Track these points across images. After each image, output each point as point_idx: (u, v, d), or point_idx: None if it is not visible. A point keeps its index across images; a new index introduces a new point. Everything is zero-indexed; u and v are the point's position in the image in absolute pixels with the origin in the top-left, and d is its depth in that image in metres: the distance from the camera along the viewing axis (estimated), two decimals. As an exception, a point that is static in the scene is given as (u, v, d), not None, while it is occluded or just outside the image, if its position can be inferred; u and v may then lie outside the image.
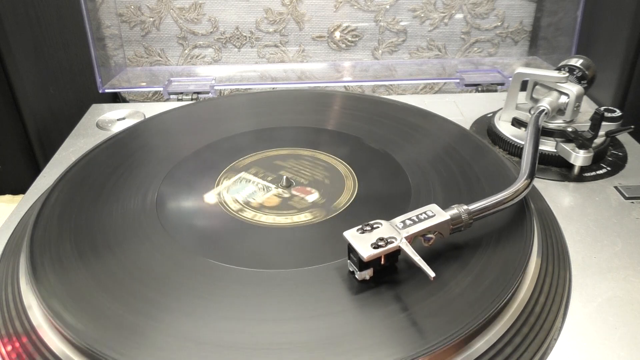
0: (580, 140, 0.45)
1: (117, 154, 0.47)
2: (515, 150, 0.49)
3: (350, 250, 0.31)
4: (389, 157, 0.46)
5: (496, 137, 0.51)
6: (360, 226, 0.32)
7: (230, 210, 0.39)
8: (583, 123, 0.47)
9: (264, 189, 0.42)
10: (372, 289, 0.31)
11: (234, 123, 0.52)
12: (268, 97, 0.59)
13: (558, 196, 0.44)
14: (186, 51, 0.75)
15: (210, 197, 0.41)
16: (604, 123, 0.46)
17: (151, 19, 0.72)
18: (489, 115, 0.57)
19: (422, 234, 0.32)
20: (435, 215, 0.33)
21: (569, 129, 0.46)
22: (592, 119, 0.45)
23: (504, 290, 0.30)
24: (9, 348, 0.31)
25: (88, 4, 0.64)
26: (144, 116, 0.59)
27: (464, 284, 0.31)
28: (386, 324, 0.29)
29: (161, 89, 0.67)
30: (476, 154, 0.45)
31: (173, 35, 0.74)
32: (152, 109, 0.60)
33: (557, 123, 0.48)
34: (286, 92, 0.61)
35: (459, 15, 0.74)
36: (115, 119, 0.59)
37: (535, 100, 0.50)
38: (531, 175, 0.38)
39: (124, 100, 0.76)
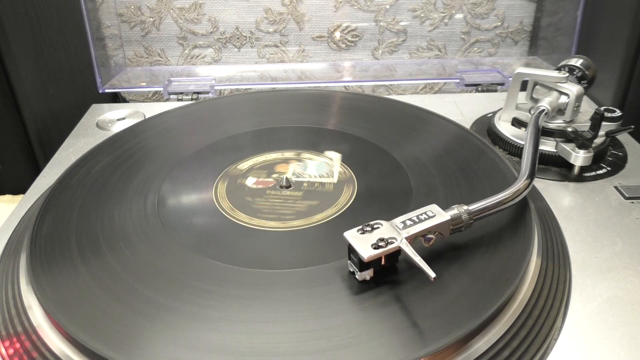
0: (580, 140, 0.45)
1: (117, 154, 0.47)
2: (515, 150, 0.49)
3: (351, 250, 0.31)
4: (389, 157, 0.46)
5: (496, 137, 0.51)
6: (360, 226, 0.32)
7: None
8: (583, 123, 0.47)
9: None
10: (373, 290, 0.31)
11: (234, 123, 0.52)
12: (268, 97, 0.59)
13: (558, 196, 0.44)
14: (186, 51, 0.75)
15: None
16: (604, 123, 0.46)
17: (151, 19, 0.72)
18: (489, 115, 0.57)
19: (423, 234, 0.32)
20: (436, 215, 0.33)
21: (569, 129, 0.46)
22: (592, 119, 0.45)
23: (504, 290, 0.31)
24: (9, 348, 0.31)
25: (88, 4, 0.64)
26: (144, 116, 0.59)
27: (464, 284, 0.31)
28: (386, 324, 0.29)
29: (161, 89, 0.67)
30: (476, 154, 0.45)
31: (173, 35, 0.74)
32: (152, 109, 0.60)
33: (557, 123, 0.48)
34: (286, 92, 0.61)
35: (459, 15, 0.74)
36: (115, 119, 0.59)
37: (535, 100, 0.50)
38: (531, 175, 0.38)
39: (124, 100, 0.76)
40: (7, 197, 0.59)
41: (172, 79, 0.69)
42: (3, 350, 0.31)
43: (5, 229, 0.41)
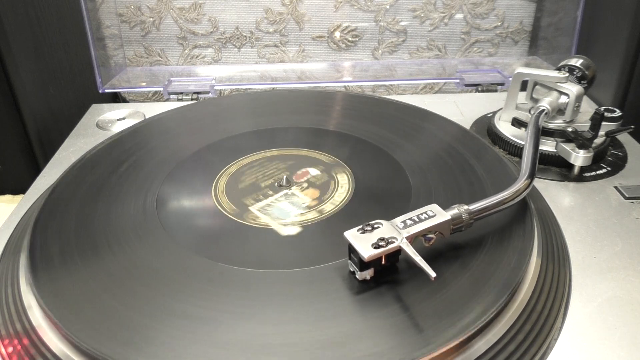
0: (580, 140, 0.45)
1: (117, 154, 0.47)
2: (515, 150, 0.49)
3: (351, 250, 0.31)
4: (389, 157, 0.46)
5: (496, 137, 0.51)
6: (360, 226, 0.32)
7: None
8: (583, 123, 0.47)
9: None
10: (373, 289, 0.31)
11: (234, 123, 0.52)
12: (268, 97, 0.59)
13: (558, 196, 0.44)
14: (186, 51, 0.75)
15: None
16: (604, 123, 0.46)
17: (151, 19, 0.72)
18: (489, 115, 0.57)
19: (423, 234, 0.32)
20: (436, 215, 0.33)
21: (569, 129, 0.46)
22: (592, 119, 0.45)
23: (504, 290, 0.30)
24: (9, 348, 0.31)
25: (88, 4, 0.64)
26: (144, 116, 0.59)
27: (464, 284, 0.31)
28: (387, 324, 0.29)
29: (161, 89, 0.67)
30: (476, 154, 0.45)
31: (173, 35, 0.74)
32: (152, 109, 0.60)
33: (557, 123, 0.48)
34: (286, 92, 0.61)
35: (459, 15, 0.74)
36: (115, 119, 0.59)
37: (535, 100, 0.50)
38: (531, 175, 0.38)
39: (124, 100, 0.76)
40: (7, 197, 0.59)
41: (172, 79, 0.69)
42: (3, 350, 0.31)
43: (5, 229, 0.41)
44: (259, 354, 0.27)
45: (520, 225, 0.36)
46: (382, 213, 0.34)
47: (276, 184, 0.42)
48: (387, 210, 0.38)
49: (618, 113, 0.48)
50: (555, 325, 0.32)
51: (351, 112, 0.54)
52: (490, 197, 0.35)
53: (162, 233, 0.37)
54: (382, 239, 0.30)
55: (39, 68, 0.61)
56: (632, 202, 0.42)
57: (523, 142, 0.43)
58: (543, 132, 0.46)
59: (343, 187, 0.42)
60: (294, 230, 0.37)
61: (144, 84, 0.71)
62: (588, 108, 0.53)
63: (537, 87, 0.51)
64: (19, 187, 0.59)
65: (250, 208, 0.40)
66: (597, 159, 0.47)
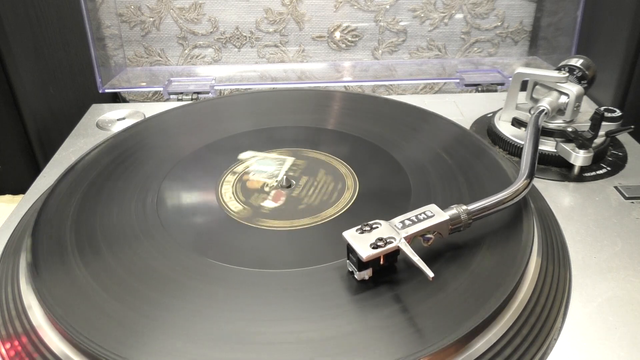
0: (580, 140, 0.45)
1: (117, 154, 0.47)
2: (515, 150, 0.49)
3: (350, 250, 0.31)
4: (388, 156, 0.46)
5: (496, 137, 0.51)
6: (359, 226, 0.32)
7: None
8: (583, 123, 0.47)
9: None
10: (371, 289, 0.31)
11: (234, 123, 0.52)
12: (268, 97, 0.59)
13: (558, 196, 0.44)
14: (186, 51, 0.75)
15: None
16: (604, 123, 0.46)
17: (151, 19, 0.72)
18: (489, 115, 0.57)
19: (421, 234, 0.32)
20: (435, 215, 0.33)
21: (569, 129, 0.46)
22: (592, 119, 0.45)
23: (504, 290, 0.30)
24: (9, 348, 0.31)
25: (88, 4, 0.64)
26: (144, 116, 0.59)
27: (463, 284, 0.31)
28: (386, 324, 0.29)
29: (161, 89, 0.67)
30: (476, 154, 0.45)
31: (173, 35, 0.74)
32: (152, 109, 0.60)
33: (557, 123, 0.48)
34: (286, 92, 0.61)
35: (459, 15, 0.74)
36: (115, 119, 0.59)
37: (535, 100, 0.50)
38: (531, 175, 0.38)
39: (124, 100, 0.76)
40: (7, 197, 0.59)
41: (172, 79, 0.69)
42: (3, 351, 0.31)
43: (5, 229, 0.41)
44: (258, 354, 0.27)
45: (520, 226, 0.36)
46: (381, 213, 0.34)
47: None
48: (386, 210, 0.38)
49: (618, 113, 0.48)
50: (555, 325, 0.32)
51: (351, 112, 0.54)
52: (489, 197, 0.35)
53: (163, 233, 0.37)
54: (380, 239, 0.30)
55: (39, 68, 0.61)
56: (632, 202, 0.42)
57: (523, 142, 0.43)
58: (543, 132, 0.46)
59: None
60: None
61: (144, 84, 0.71)
62: (588, 108, 0.53)
63: (537, 87, 0.51)
64: (19, 187, 0.59)
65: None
66: (597, 159, 0.47)
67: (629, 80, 0.59)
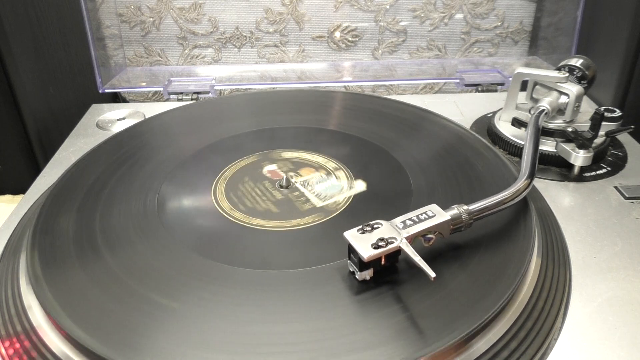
0: (580, 140, 0.45)
1: (117, 154, 0.47)
2: (515, 150, 0.49)
3: (351, 250, 0.31)
4: (389, 156, 0.46)
5: (496, 137, 0.51)
6: (360, 226, 0.32)
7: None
8: (583, 123, 0.47)
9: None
10: (373, 290, 0.31)
11: (234, 123, 0.52)
12: (268, 97, 0.59)
13: (558, 196, 0.44)
14: (186, 51, 0.75)
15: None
16: (604, 123, 0.46)
17: (151, 19, 0.72)
18: (489, 115, 0.57)
19: (423, 234, 0.32)
20: (436, 215, 0.33)
21: (569, 129, 0.46)
22: (592, 119, 0.45)
23: (504, 290, 0.30)
24: (9, 348, 0.31)
25: (88, 4, 0.64)
26: (144, 116, 0.59)
27: (464, 284, 0.31)
28: (386, 324, 0.29)
29: (161, 89, 0.67)
30: (476, 154, 0.45)
31: (173, 35, 0.74)
32: (152, 109, 0.60)
33: (557, 123, 0.48)
34: (286, 92, 0.61)
35: (459, 15, 0.74)
36: (115, 119, 0.59)
37: (535, 100, 0.50)
38: (531, 175, 0.38)
39: (124, 100, 0.76)
40: (7, 197, 0.59)
41: (172, 79, 0.69)
42: (3, 351, 0.31)
43: (5, 229, 0.41)
44: (258, 354, 0.27)
45: (521, 226, 0.36)
46: (382, 213, 0.34)
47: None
48: (387, 210, 0.38)
49: (618, 113, 0.48)
50: (555, 325, 0.32)
51: (351, 112, 0.54)
52: (490, 197, 0.35)
53: (163, 233, 0.37)
54: (381, 239, 0.30)
55: (39, 68, 0.61)
56: (632, 202, 0.42)
57: (523, 142, 0.43)
58: (543, 132, 0.46)
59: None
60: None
61: (144, 84, 0.71)
62: (588, 108, 0.53)
63: (537, 87, 0.51)
64: (19, 187, 0.59)
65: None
66: (597, 159, 0.47)
67: (629, 80, 0.59)
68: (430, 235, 0.32)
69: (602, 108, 0.48)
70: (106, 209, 0.39)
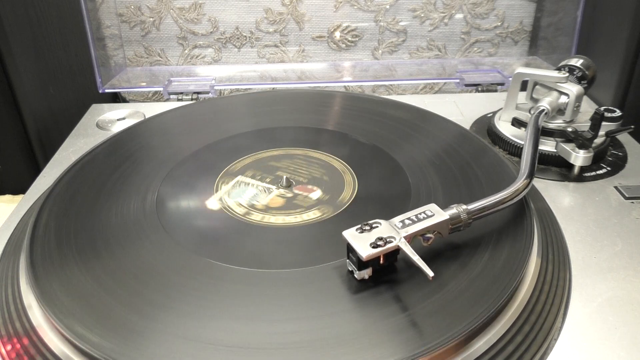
0: (580, 140, 0.45)
1: (117, 154, 0.47)
2: (515, 150, 0.49)
3: (350, 249, 0.31)
4: (388, 156, 0.46)
5: (496, 137, 0.51)
6: (359, 226, 0.32)
7: (230, 210, 0.39)
8: (583, 123, 0.47)
9: (263, 191, 0.42)
10: (371, 289, 0.31)
11: (234, 123, 0.52)
12: (268, 97, 0.59)
13: (558, 196, 0.44)
14: (186, 51, 0.75)
15: (210, 198, 0.41)
16: (604, 123, 0.46)
17: (151, 19, 0.72)
18: (489, 115, 0.57)
19: (421, 233, 0.32)
20: (435, 214, 0.32)
21: (569, 129, 0.46)
22: (592, 119, 0.45)
23: (504, 290, 0.30)
24: (9, 348, 0.31)
25: (88, 4, 0.64)
26: (144, 116, 0.59)
27: (463, 284, 0.31)
28: (386, 324, 0.29)
29: (161, 89, 0.67)
30: (476, 154, 0.45)
31: (173, 35, 0.74)
32: (152, 109, 0.60)
33: (557, 123, 0.48)
34: (286, 92, 0.61)
35: (459, 15, 0.74)
36: (115, 119, 0.59)
37: (535, 100, 0.50)
38: (531, 175, 0.38)
39: (124, 100, 0.76)
40: (7, 197, 0.59)
41: (172, 79, 0.69)
42: (3, 350, 0.31)
43: (5, 229, 0.41)
44: (257, 354, 0.27)
45: (520, 225, 0.36)
46: (381, 212, 0.34)
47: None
48: (386, 210, 0.38)
49: (618, 113, 0.48)
50: (555, 325, 0.32)
51: (351, 112, 0.54)
52: (489, 197, 0.35)
53: (162, 233, 0.37)
54: (380, 239, 0.30)
55: (39, 68, 0.61)
56: (632, 202, 0.42)
57: (523, 142, 0.43)
58: (543, 132, 0.46)
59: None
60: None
61: (144, 84, 0.71)
62: (588, 108, 0.53)
63: (537, 87, 0.51)
64: (19, 187, 0.59)
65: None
66: (597, 159, 0.47)
67: (629, 80, 0.59)
68: (429, 235, 0.32)
69: (602, 108, 0.48)
70: (106, 208, 0.39)
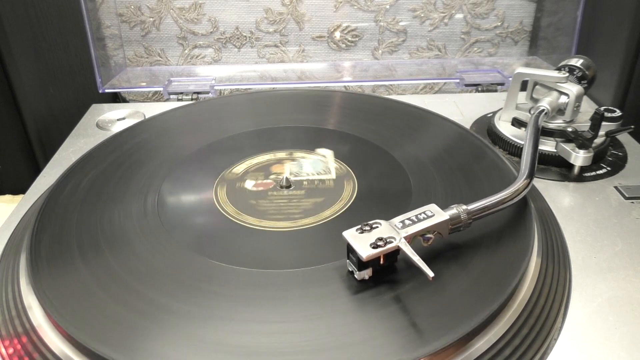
0: (580, 140, 0.45)
1: (117, 154, 0.47)
2: (515, 150, 0.49)
3: (350, 250, 0.31)
4: (389, 156, 0.46)
5: (496, 137, 0.51)
6: (359, 226, 0.32)
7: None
8: (583, 123, 0.47)
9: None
10: (372, 289, 0.31)
11: (234, 123, 0.52)
12: (268, 97, 0.59)
13: (558, 196, 0.44)
14: (186, 51, 0.75)
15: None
16: (604, 123, 0.46)
17: (151, 19, 0.72)
18: (489, 115, 0.57)
19: (421, 233, 0.32)
20: (435, 215, 0.32)
21: (569, 129, 0.46)
22: (592, 119, 0.45)
23: (504, 290, 0.30)
24: (9, 348, 0.31)
25: (88, 4, 0.64)
26: (144, 116, 0.59)
27: (463, 284, 0.31)
28: (386, 324, 0.29)
29: (161, 89, 0.67)
30: (476, 154, 0.45)
31: (173, 35, 0.74)
32: (152, 109, 0.60)
33: (557, 123, 0.48)
34: (286, 92, 0.61)
35: (459, 15, 0.74)
36: (115, 119, 0.59)
37: (535, 100, 0.50)
38: (531, 175, 0.38)
39: (124, 100, 0.76)
40: (7, 197, 0.59)
41: (172, 79, 0.69)
42: (3, 350, 0.31)
43: (5, 229, 0.41)
44: (257, 354, 0.27)
45: (520, 225, 0.36)
46: (382, 213, 0.34)
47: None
48: (386, 210, 0.38)
49: (618, 113, 0.48)
50: (555, 325, 0.32)
51: (351, 112, 0.54)
52: (489, 197, 0.35)
53: (163, 233, 0.37)
54: (380, 239, 0.30)
55: (39, 68, 0.61)
56: (632, 202, 0.42)
57: (523, 142, 0.43)
58: (543, 132, 0.46)
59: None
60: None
61: (144, 84, 0.71)
62: (588, 108, 0.53)
63: (537, 87, 0.51)
64: (19, 187, 0.59)
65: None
66: (597, 159, 0.47)
67: (629, 80, 0.59)
68: (429, 235, 0.32)
69: (602, 108, 0.48)
70: (106, 208, 0.39)
